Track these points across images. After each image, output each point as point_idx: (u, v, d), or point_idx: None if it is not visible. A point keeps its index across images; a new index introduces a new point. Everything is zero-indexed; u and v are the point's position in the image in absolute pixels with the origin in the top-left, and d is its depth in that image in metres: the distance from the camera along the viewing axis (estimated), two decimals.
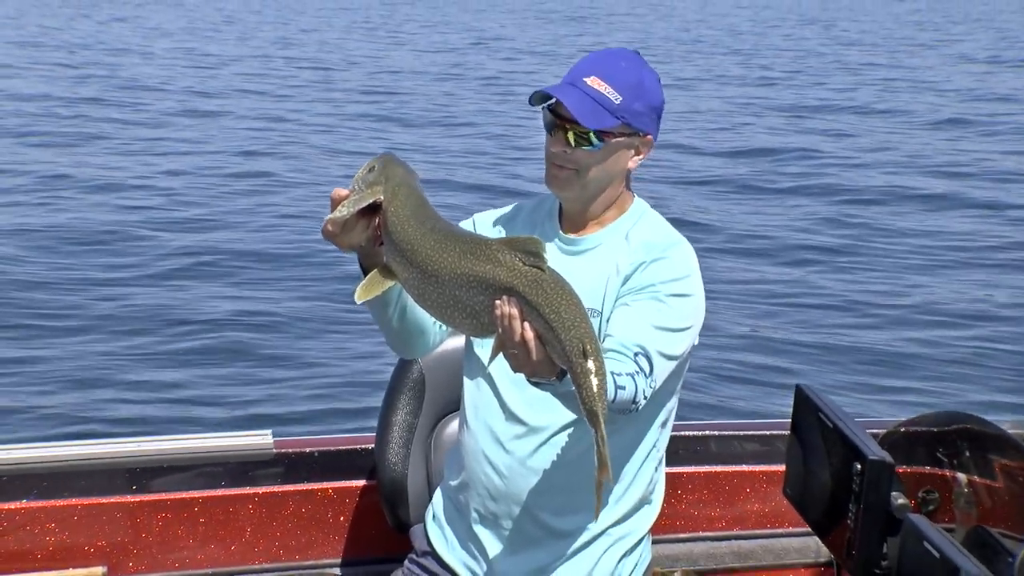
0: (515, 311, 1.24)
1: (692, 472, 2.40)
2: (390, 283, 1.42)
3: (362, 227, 1.41)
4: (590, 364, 1.22)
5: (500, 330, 1.26)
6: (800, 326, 6.84)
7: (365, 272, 1.46)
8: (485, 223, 1.76)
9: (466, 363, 1.74)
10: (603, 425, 1.24)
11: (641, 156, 1.63)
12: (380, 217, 1.40)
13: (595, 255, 1.64)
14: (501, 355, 1.30)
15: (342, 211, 1.36)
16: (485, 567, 1.70)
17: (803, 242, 8.79)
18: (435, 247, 1.34)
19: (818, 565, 2.47)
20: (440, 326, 1.68)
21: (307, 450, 2.38)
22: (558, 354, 1.25)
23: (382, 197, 1.38)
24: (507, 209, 1.80)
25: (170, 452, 2.30)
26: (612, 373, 1.32)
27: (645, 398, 1.42)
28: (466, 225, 1.73)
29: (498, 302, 1.26)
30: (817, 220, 9.56)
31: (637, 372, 1.40)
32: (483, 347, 1.61)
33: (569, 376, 1.26)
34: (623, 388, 1.35)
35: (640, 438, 1.65)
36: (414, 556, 1.86)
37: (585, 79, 1.56)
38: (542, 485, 1.62)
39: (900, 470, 1.70)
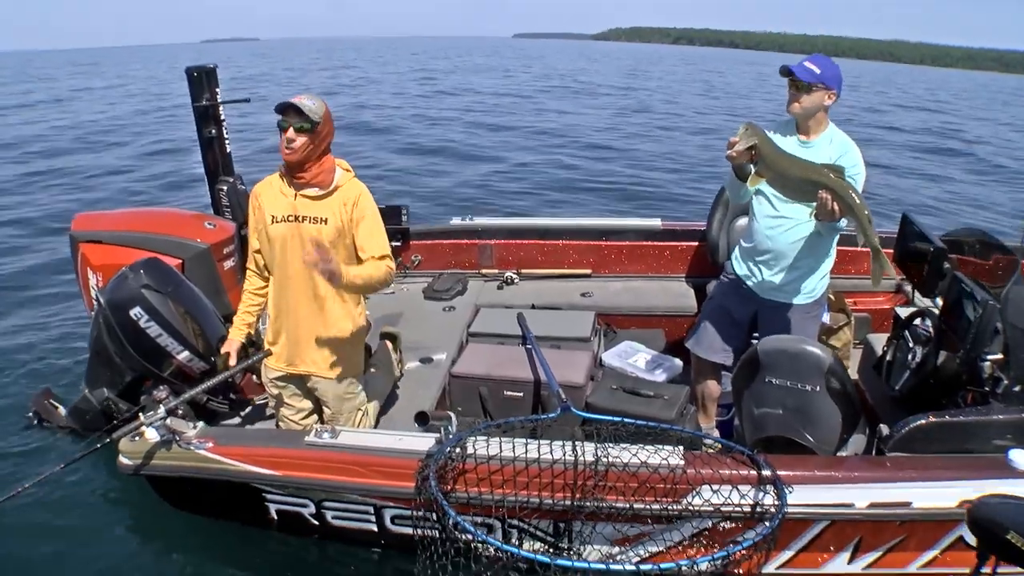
0: (829, 197, 2.81)
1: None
2: (761, 180, 2.96)
3: (744, 155, 2.90)
4: (871, 227, 2.82)
5: (819, 203, 2.82)
6: None
7: (736, 172, 3.08)
8: (776, 127, 3.35)
9: (755, 195, 3.41)
10: (878, 242, 2.86)
11: (831, 101, 3.17)
12: (756, 150, 2.89)
13: (817, 149, 3.19)
14: (785, 197, 3.09)
15: (741, 146, 2.86)
16: (757, 278, 3.44)
17: None
18: (791, 167, 2.89)
19: (894, 292, 4.57)
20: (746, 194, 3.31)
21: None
22: (851, 216, 2.83)
23: (756, 142, 2.88)
24: (780, 120, 3.37)
25: None
26: None
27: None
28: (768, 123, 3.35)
29: (822, 192, 2.81)
30: None
31: None
32: (761, 193, 3.33)
33: (856, 224, 2.83)
34: None
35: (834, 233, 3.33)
36: (723, 275, 3.73)
37: (805, 63, 3.14)
38: (791, 246, 3.29)
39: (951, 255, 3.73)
